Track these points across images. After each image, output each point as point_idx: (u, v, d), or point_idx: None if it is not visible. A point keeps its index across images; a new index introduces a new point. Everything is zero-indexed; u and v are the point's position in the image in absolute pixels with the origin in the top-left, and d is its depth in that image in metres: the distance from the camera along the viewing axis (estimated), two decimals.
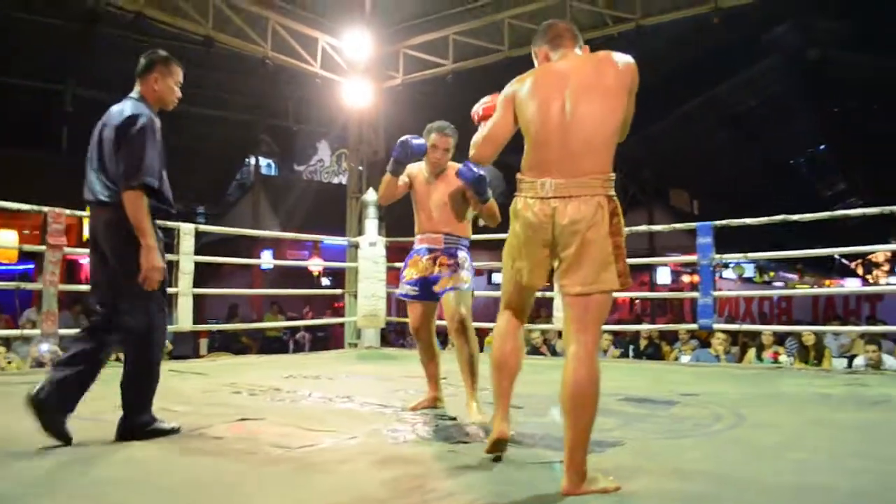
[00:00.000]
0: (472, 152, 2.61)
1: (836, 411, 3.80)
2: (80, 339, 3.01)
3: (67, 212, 5.31)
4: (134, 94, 3.03)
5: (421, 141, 3.56)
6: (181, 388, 4.51)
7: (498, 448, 2.55)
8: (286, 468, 2.46)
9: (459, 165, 3.57)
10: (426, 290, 3.68)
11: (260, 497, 2.14)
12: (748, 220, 5.93)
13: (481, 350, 3.61)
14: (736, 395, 4.31)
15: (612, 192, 2.31)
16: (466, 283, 3.63)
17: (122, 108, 2.95)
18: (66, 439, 2.79)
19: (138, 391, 2.96)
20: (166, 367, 5.91)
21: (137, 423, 2.93)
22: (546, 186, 2.31)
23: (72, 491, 2.24)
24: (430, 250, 3.69)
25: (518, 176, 2.43)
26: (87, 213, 3.18)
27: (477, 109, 2.80)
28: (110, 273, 2.95)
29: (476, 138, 2.61)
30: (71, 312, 9.69)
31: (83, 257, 11.57)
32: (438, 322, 3.86)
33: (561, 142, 2.31)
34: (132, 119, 2.88)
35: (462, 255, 3.69)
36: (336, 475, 2.38)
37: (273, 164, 21.33)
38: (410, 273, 3.72)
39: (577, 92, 2.32)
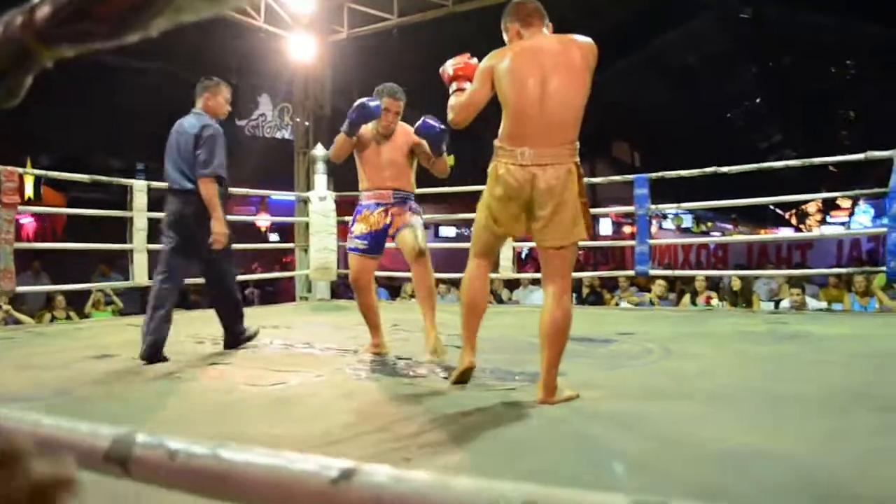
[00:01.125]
0: (450, 116, 2.89)
1: (755, 345, 4.23)
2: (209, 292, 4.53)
3: (20, 170, 5.38)
4: (197, 109, 4.11)
5: (377, 103, 3.73)
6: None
7: (466, 376, 2.93)
8: (262, 401, 2.74)
9: (404, 124, 3.83)
10: (375, 244, 3.90)
11: (244, 424, 2.42)
12: (682, 172, 6.32)
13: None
14: (667, 334, 4.71)
15: (578, 159, 2.70)
16: (419, 221, 3.88)
17: (194, 121, 4.04)
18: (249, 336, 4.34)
19: (232, 313, 4.24)
20: (125, 322, 6.11)
21: (236, 334, 4.23)
22: (525, 155, 2.65)
23: None
24: (380, 205, 3.89)
25: (496, 143, 2.75)
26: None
27: (446, 69, 3.03)
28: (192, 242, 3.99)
29: (454, 103, 2.88)
30: (31, 270, 9.66)
31: (24, 216, 11.46)
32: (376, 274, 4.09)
33: (538, 115, 2.64)
34: (206, 128, 3.99)
35: (411, 204, 3.94)
36: (307, 406, 2.67)
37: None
38: (360, 228, 3.90)
39: (551, 70, 2.64)
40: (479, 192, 2.92)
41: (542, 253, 2.74)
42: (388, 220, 3.87)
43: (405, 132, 3.92)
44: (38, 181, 11.29)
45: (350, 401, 2.73)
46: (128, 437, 0.63)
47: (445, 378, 3.18)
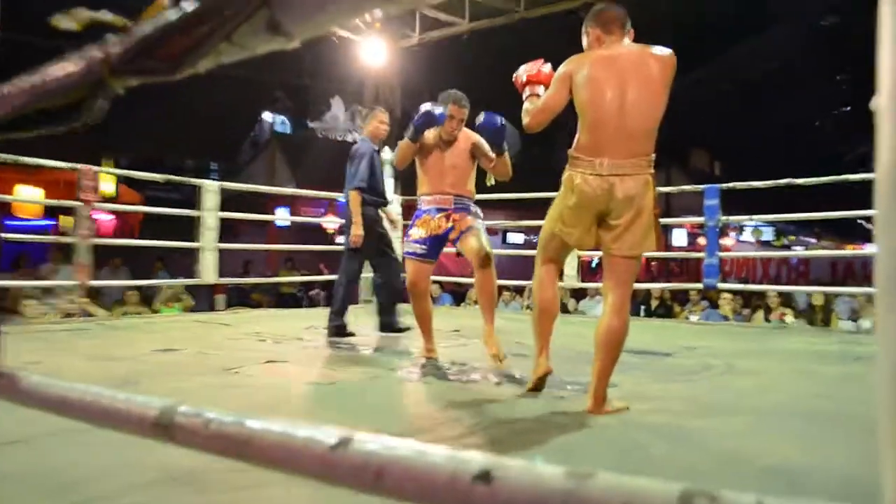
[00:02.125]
0: (525, 120, 2.97)
1: (821, 364, 4.17)
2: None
3: (97, 168, 5.72)
4: (363, 135, 5.30)
5: (441, 110, 3.83)
6: (209, 335, 4.94)
7: (542, 383, 3.01)
8: (316, 397, 2.90)
9: (467, 129, 3.93)
10: (433, 249, 3.97)
11: (296, 416, 2.56)
12: (754, 184, 6.25)
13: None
14: (732, 349, 4.68)
15: (653, 171, 2.78)
16: (482, 224, 3.95)
17: (355, 145, 5.19)
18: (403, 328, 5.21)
19: (387, 302, 5.33)
20: (192, 318, 6.40)
21: (388, 322, 5.29)
22: (604, 165, 2.72)
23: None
24: (441, 210, 3.97)
25: (573, 153, 2.82)
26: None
27: (520, 75, 3.13)
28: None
29: (529, 108, 2.98)
30: (111, 265, 10.13)
31: (99, 212, 12.02)
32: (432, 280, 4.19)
33: (616, 126, 2.70)
34: (355, 150, 5.12)
35: (474, 209, 4.02)
36: (358, 405, 2.80)
37: (287, 121, 21.63)
38: (419, 232, 3.97)
39: (630, 81, 2.70)
40: (549, 199, 2.99)
41: (608, 261, 2.82)
42: (449, 225, 3.95)
43: (467, 137, 4.02)
44: (116, 180, 11.86)
45: (399, 401, 2.86)
46: (172, 407, 0.76)
47: (498, 384, 3.28)
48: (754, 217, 6.96)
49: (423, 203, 4.06)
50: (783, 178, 6.13)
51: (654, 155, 2.77)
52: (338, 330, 5.02)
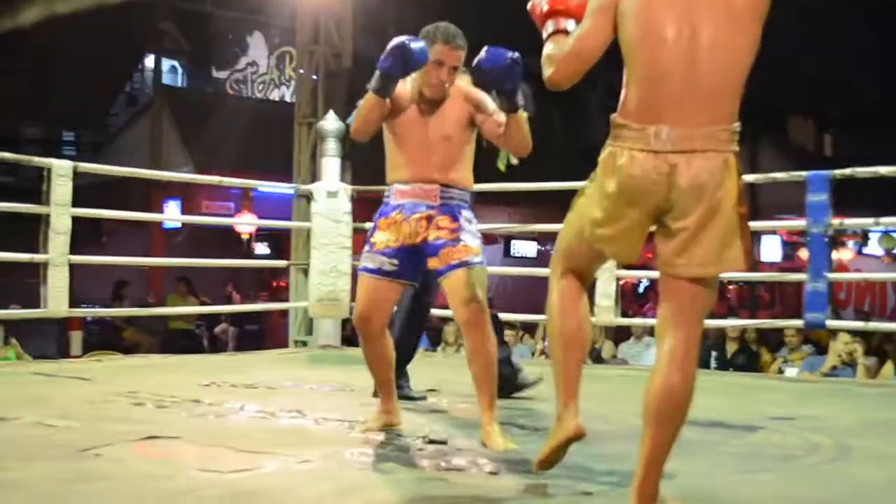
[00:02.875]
0: (548, 71, 2.85)
1: None
2: None
3: None
4: None
5: (422, 45, 3.70)
6: (58, 397, 4.88)
7: (563, 452, 2.95)
8: (217, 495, 2.85)
9: (465, 85, 3.88)
10: (408, 264, 3.94)
11: None
12: (882, 169, 6.28)
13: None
14: (849, 421, 4.69)
15: (737, 149, 2.65)
16: (479, 255, 3.89)
17: None
18: None
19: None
20: (29, 370, 6.34)
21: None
22: (662, 136, 2.58)
23: None
24: (421, 207, 3.90)
25: (616, 119, 2.70)
26: None
27: (540, 2, 3.01)
28: None
29: (553, 52, 2.88)
30: None
31: None
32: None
33: (684, 77, 2.58)
34: None
35: (466, 214, 3.95)
36: None
37: (180, 68, 21.54)
38: (386, 238, 3.92)
39: (705, 12, 2.58)
40: (575, 192, 2.94)
41: (668, 285, 2.70)
42: (430, 236, 3.88)
43: (462, 94, 3.92)
44: None
45: (345, 501, 2.82)
46: None
47: (493, 473, 3.25)
48: (882, 220, 6.98)
49: (393, 194, 4.00)
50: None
51: (738, 124, 2.67)
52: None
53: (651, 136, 2.59)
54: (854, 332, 8.27)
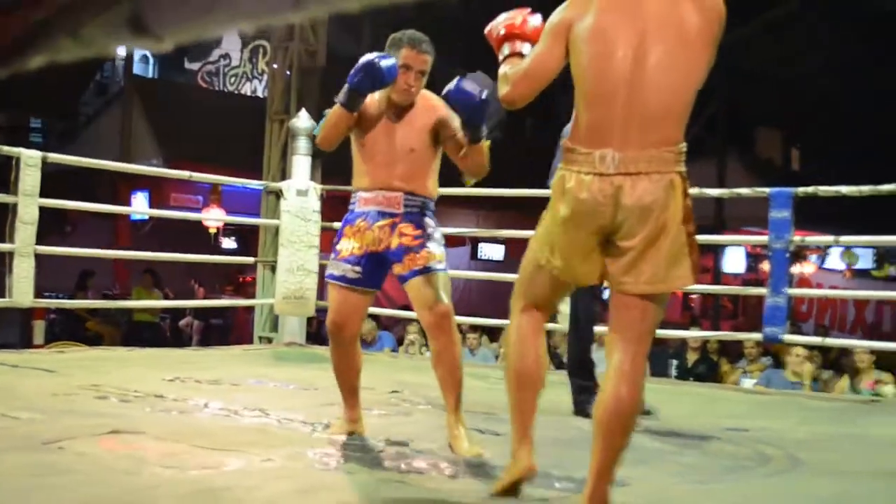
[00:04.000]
0: (504, 90, 2.96)
1: None
2: None
3: None
4: None
5: (392, 62, 3.73)
6: (21, 388, 4.90)
7: (517, 486, 2.92)
8: (181, 493, 2.89)
9: (434, 99, 3.93)
10: (372, 272, 3.96)
11: None
12: (844, 189, 6.39)
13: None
14: (801, 434, 4.76)
15: (684, 169, 2.73)
16: (442, 262, 3.92)
17: None
18: None
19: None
20: None
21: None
22: (608, 160, 2.65)
23: None
24: (385, 215, 3.91)
25: (565, 144, 2.80)
26: None
27: (497, 26, 3.12)
28: None
29: (509, 72, 2.96)
30: None
31: None
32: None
33: (629, 101, 2.65)
34: None
35: (429, 221, 3.97)
36: None
37: (151, 59, 21.38)
38: (350, 246, 3.94)
39: (654, 37, 2.65)
40: (544, 199, 2.96)
41: (617, 302, 2.78)
42: (394, 244, 3.90)
43: (430, 107, 3.94)
44: None
45: (307, 501, 2.87)
46: None
47: (452, 476, 3.31)
48: (842, 238, 7.10)
49: (358, 202, 4.01)
50: (890, 182, 6.26)
51: (684, 145, 2.73)
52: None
53: (597, 159, 2.66)
54: (811, 347, 8.39)
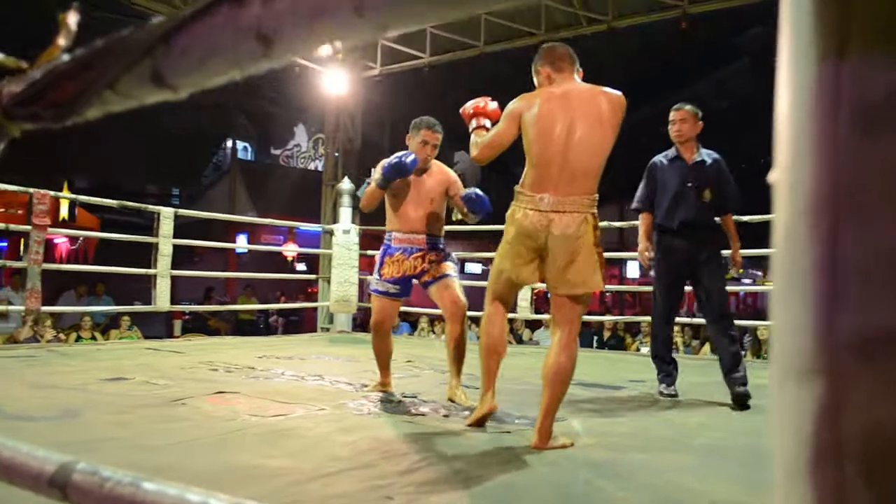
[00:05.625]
0: (473, 153, 2.97)
1: (764, 398, 4.20)
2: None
3: (52, 193, 5.58)
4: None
5: (413, 158, 3.64)
6: (160, 364, 4.82)
7: (484, 419, 2.98)
8: (261, 431, 2.81)
9: (438, 165, 3.87)
10: (405, 287, 3.84)
11: (238, 454, 2.49)
12: None
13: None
14: (680, 383, 4.68)
15: (595, 210, 2.77)
16: (455, 272, 3.83)
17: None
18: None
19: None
20: (143, 346, 6.25)
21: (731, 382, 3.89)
22: (545, 201, 2.70)
23: (66, 448, 2.56)
24: (416, 250, 3.81)
25: (518, 189, 2.81)
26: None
27: (467, 108, 3.14)
28: None
29: (477, 141, 2.96)
30: (75, 292, 9.95)
31: (57, 237, 11.75)
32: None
33: (561, 164, 2.69)
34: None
35: (446, 250, 3.90)
36: (305, 439, 2.73)
37: (250, 148, 21.49)
38: (390, 271, 3.81)
39: (579, 119, 2.69)
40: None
41: (554, 300, 2.80)
42: (424, 266, 3.80)
43: (442, 171, 3.89)
44: (72, 204, 11.63)
45: (347, 435, 2.79)
46: (70, 464, 0.71)
47: (446, 416, 3.24)
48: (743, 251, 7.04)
49: (393, 240, 3.87)
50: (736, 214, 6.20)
51: (596, 195, 2.77)
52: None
53: (537, 200, 2.72)
54: (685, 325, 8.32)
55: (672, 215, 4.10)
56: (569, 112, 2.70)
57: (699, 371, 5.53)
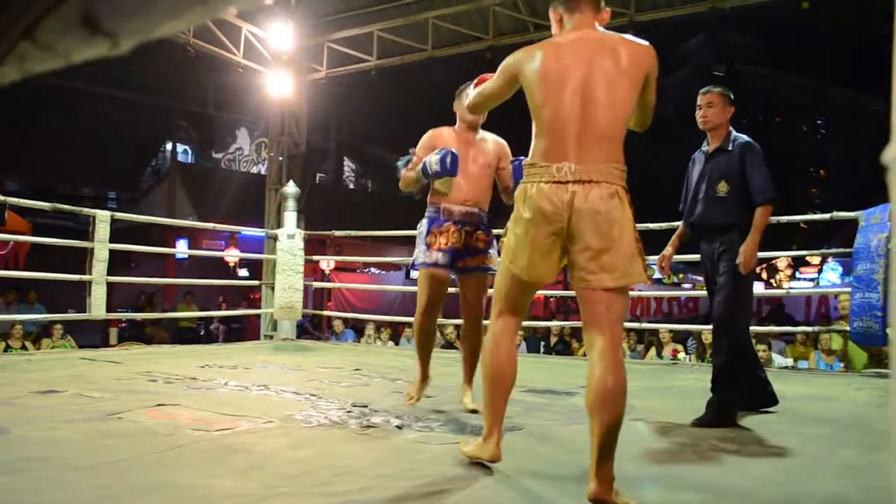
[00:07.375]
0: (469, 102, 2.68)
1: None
2: None
3: None
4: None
5: (455, 159, 3.37)
6: (95, 375, 4.57)
7: (478, 462, 2.44)
8: (205, 448, 2.64)
9: (492, 136, 3.66)
10: (450, 261, 3.55)
11: (180, 474, 2.32)
12: (650, 226, 6.36)
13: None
14: (630, 388, 4.65)
15: (625, 184, 2.21)
16: (496, 265, 3.51)
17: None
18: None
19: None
20: (77, 355, 5.95)
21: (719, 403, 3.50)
22: (564, 170, 2.16)
23: None
24: (467, 223, 3.56)
25: (527, 162, 2.29)
26: None
27: (473, 82, 2.96)
28: None
29: (472, 92, 2.70)
30: (4, 299, 9.56)
31: None
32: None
33: (578, 129, 2.18)
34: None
35: (492, 231, 3.63)
36: (252, 455, 2.57)
37: (190, 151, 21.02)
38: (440, 241, 3.54)
39: (595, 74, 2.19)
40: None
41: (589, 298, 2.16)
42: (474, 245, 3.56)
43: (497, 141, 3.66)
44: (1, 206, 11.10)
45: (297, 451, 2.64)
46: None
47: (399, 428, 3.11)
48: (648, 258, 7.06)
49: (443, 212, 3.56)
50: (676, 220, 6.23)
51: (625, 166, 2.22)
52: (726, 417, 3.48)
53: (554, 169, 2.17)
54: (629, 330, 8.37)
55: (690, 215, 3.79)
56: (581, 64, 2.20)
57: (648, 376, 5.52)
